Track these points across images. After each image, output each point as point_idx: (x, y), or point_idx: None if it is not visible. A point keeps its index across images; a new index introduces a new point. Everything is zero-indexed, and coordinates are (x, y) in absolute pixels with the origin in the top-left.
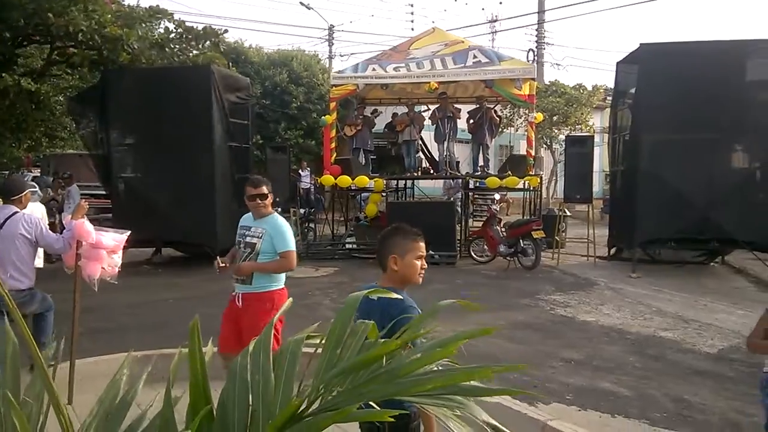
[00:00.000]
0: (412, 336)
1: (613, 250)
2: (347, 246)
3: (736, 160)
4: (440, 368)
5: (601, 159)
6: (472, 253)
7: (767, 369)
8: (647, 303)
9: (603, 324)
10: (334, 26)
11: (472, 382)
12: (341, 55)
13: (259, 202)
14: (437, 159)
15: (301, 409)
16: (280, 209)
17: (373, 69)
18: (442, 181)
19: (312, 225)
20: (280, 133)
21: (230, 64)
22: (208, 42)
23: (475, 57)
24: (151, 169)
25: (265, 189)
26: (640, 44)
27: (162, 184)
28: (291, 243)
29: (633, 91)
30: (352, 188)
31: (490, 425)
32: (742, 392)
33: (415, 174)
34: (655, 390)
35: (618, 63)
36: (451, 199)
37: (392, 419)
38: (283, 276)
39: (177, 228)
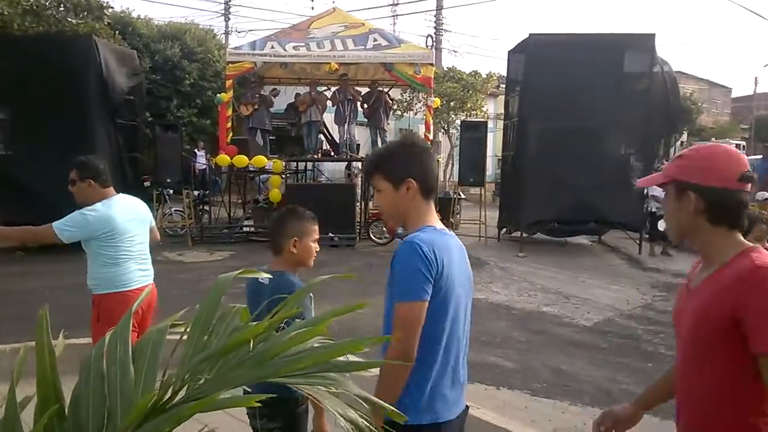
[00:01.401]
0: (284, 316)
1: (503, 231)
2: (245, 229)
3: (613, 147)
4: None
5: (494, 144)
6: (372, 235)
7: None
8: (532, 280)
9: (492, 301)
10: (230, 0)
11: (349, 357)
12: (238, 32)
13: (71, 189)
14: (338, 141)
15: (164, 399)
16: (171, 191)
17: (272, 47)
18: (343, 163)
19: (207, 207)
20: (172, 110)
21: (116, 34)
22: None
23: (375, 40)
24: (24, 148)
25: (73, 174)
26: (529, 34)
27: (36, 164)
28: (62, 221)
29: (521, 79)
30: (250, 169)
31: (366, 399)
32: (614, 362)
33: (315, 156)
34: (537, 362)
35: (509, 52)
36: (352, 181)
37: (261, 404)
38: (113, 278)
39: (53, 211)
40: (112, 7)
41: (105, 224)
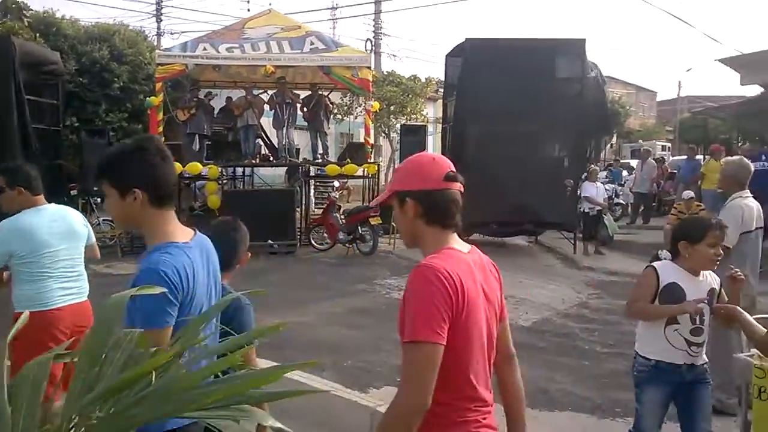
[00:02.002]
0: (189, 343)
1: None
2: None
3: (547, 150)
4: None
5: (434, 148)
6: (312, 241)
7: (646, 355)
8: None
9: None
10: (162, 1)
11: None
12: (171, 33)
13: None
14: (277, 146)
15: None
16: (99, 199)
17: (204, 48)
18: (283, 168)
19: None
20: (100, 115)
21: (37, 36)
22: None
23: (312, 43)
24: None
25: (0, 181)
26: (465, 38)
27: None
28: None
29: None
30: (185, 176)
31: (279, 430)
32: (551, 361)
33: (254, 161)
34: None
35: (447, 56)
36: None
37: None
38: (31, 296)
39: None
40: (32, 9)
41: (18, 237)
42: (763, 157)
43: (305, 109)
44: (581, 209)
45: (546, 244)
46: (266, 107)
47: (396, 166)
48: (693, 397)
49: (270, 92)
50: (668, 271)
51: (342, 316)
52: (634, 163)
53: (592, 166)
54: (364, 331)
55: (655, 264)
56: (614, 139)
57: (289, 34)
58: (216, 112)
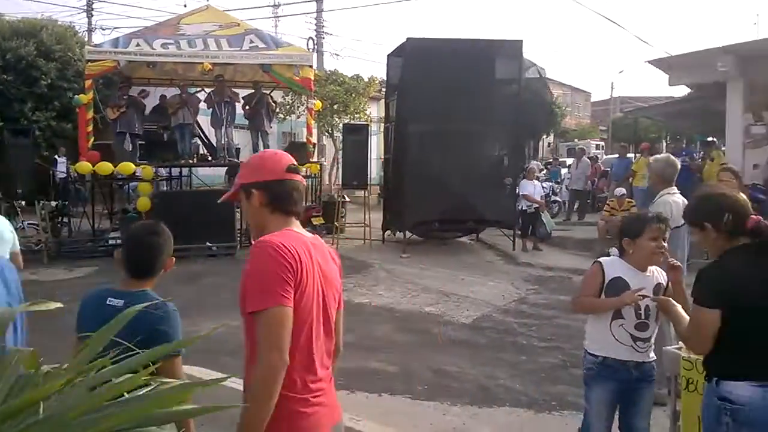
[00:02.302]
0: (85, 362)
1: (387, 233)
2: (111, 242)
3: (487, 149)
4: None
5: (378, 147)
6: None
7: (594, 352)
8: (415, 281)
9: (376, 304)
10: None
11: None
12: (103, 29)
13: None
14: (215, 145)
15: None
16: (24, 202)
17: (137, 45)
18: (224, 168)
19: (66, 219)
20: (26, 113)
21: None
22: None
23: (251, 41)
24: None
25: None
26: (407, 38)
27: None
28: None
29: (400, 82)
30: (118, 177)
31: None
32: (492, 357)
33: (191, 161)
34: (418, 364)
35: (388, 55)
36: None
37: None
38: None
39: None
40: None
41: None
42: (683, 154)
43: (247, 108)
44: (520, 207)
45: (487, 241)
46: (204, 106)
47: (244, 162)
48: (637, 396)
49: (208, 90)
50: (614, 266)
51: None
52: (570, 161)
53: (532, 164)
54: None
55: (602, 259)
56: (552, 138)
57: (228, 31)
58: (150, 110)
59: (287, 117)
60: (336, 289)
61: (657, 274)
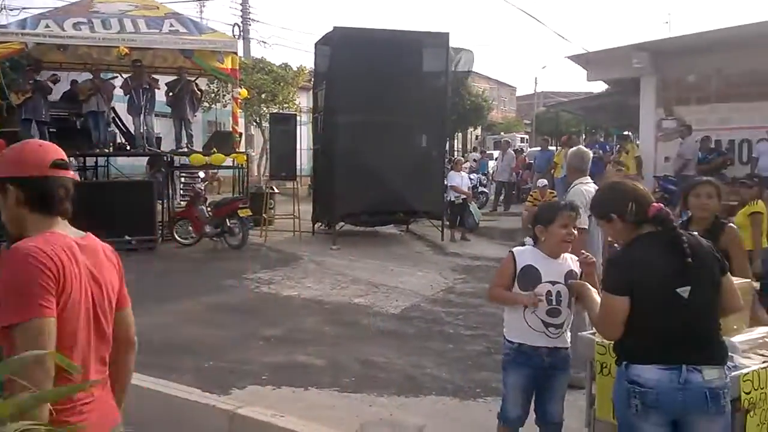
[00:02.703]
0: None
1: (317, 225)
2: None
3: (416, 140)
4: None
5: (309, 137)
6: (176, 236)
7: (510, 338)
8: (345, 272)
9: (304, 297)
10: None
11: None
12: (10, 9)
13: None
14: (134, 133)
15: None
16: None
17: (47, 26)
18: (145, 158)
19: None
20: None
21: None
22: None
23: (171, 25)
24: None
25: None
26: (333, 27)
27: None
28: None
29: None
30: None
31: None
32: (419, 347)
33: (106, 150)
34: (346, 356)
35: (315, 44)
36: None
37: None
38: None
39: None
40: None
41: None
42: (597, 147)
43: (170, 95)
44: (448, 198)
45: (416, 232)
46: (121, 92)
47: None
48: (551, 382)
49: (125, 75)
50: (526, 254)
51: (205, 314)
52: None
53: (459, 156)
54: (230, 329)
55: (514, 249)
56: (479, 131)
57: (146, 12)
58: (60, 96)
59: (212, 106)
60: (112, 290)
61: (570, 261)
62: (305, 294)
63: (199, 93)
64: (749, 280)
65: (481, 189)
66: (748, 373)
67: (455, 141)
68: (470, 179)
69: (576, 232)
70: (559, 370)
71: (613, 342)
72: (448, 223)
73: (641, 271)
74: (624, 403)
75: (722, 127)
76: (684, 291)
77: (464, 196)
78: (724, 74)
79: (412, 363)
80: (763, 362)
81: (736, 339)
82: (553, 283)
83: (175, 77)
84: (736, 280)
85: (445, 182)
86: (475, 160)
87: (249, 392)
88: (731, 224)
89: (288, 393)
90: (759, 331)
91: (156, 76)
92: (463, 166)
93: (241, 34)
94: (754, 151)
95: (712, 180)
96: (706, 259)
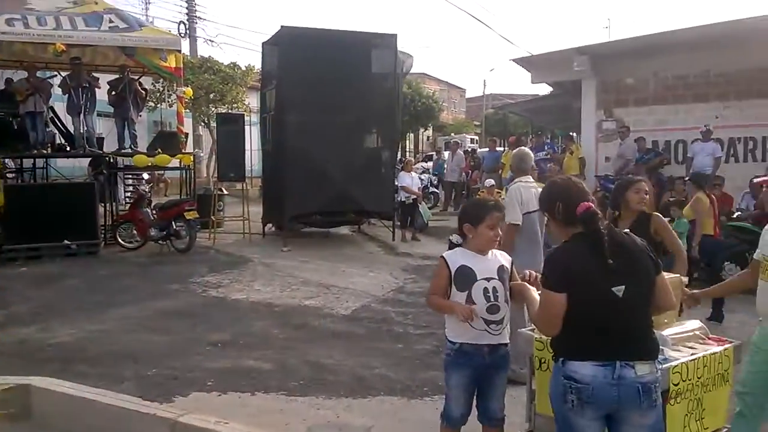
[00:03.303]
0: None
1: (268, 226)
2: None
3: (366, 141)
4: None
5: (259, 138)
6: (120, 240)
7: (452, 339)
8: (295, 274)
9: (253, 300)
10: None
11: None
12: None
13: None
14: (74, 134)
15: None
16: None
17: None
18: (87, 159)
19: None
20: None
21: None
22: None
23: (111, 21)
24: None
25: None
26: (281, 26)
27: None
28: None
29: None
30: None
31: None
32: (368, 348)
33: (44, 151)
34: (295, 359)
35: (263, 44)
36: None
37: None
38: None
39: None
40: None
41: None
42: (546, 148)
43: (112, 94)
44: (399, 198)
45: (368, 232)
46: (59, 91)
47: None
48: (491, 381)
49: (63, 74)
50: (457, 256)
51: (149, 320)
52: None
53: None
54: (175, 335)
55: (445, 254)
56: (430, 132)
57: (83, 9)
58: None
59: (158, 105)
60: None
61: (498, 256)
62: (254, 297)
63: (143, 92)
64: (678, 276)
65: (432, 189)
66: (677, 366)
67: (407, 141)
68: (421, 180)
69: (500, 231)
70: (500, 368)
71: (550, 338)
72: (399, 223)
73: (574, 269)
74: (560, 398)
75: (659, 128)
76: (619, 290)
77: (414, 197)
78: (661, 77)
79: (361, 364)
80: (692, 355)
81: (667, 332)
82: (488, 279)
83: (118, 76)
84: (667, 275)
85: (396, 182)
86: (431, 160)
87: (193, 399)
88: (656, 213)
89: (234, 399)
90: (688, 325)
91: (97, 75)
92: (413, 166)
93: (187, 32)
94: (689, 151)
95: (644, 178)
96: (640, 257)
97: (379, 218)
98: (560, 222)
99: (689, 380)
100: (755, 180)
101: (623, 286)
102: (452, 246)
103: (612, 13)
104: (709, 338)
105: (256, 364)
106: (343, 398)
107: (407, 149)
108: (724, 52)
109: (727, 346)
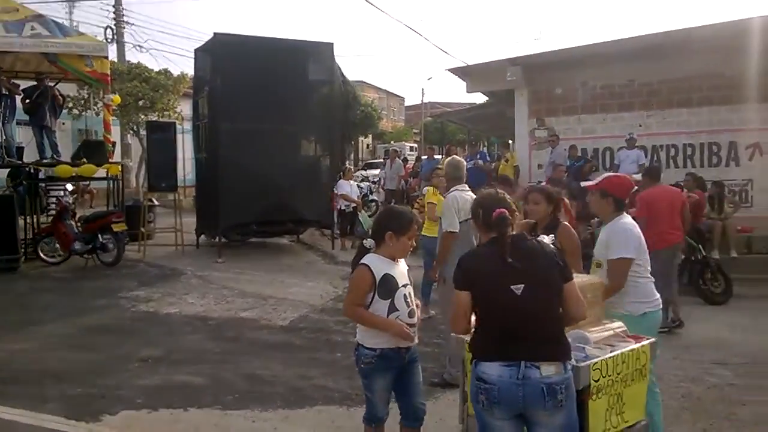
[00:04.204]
0: None
1: (202, 237)
2: None
3: (304, 150)
4: None
5: (192, 146)
6: (41, 254)
7: (371, 346)
8: (231, 286)
9: (186, 314)
10: None
11: None
12: None
13: None
14: None
15: None
16: None
17: None
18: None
19: None
20: None
21: None
22: None
23: (33, 28)
24: None
25: None
26: (214, 34)
27: None
28: None
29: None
30: None
31: None
32: (306, 358)
33: None
34: (230, 372)
35: (196, 50)
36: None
37: None
38: None
39: None
40: None
41: None
42: (478, 156)
43: (27, 101)
44: (338, 207)
45: (307, 241)
46: None
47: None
48: (409, 378)
49: None
50: (378, 264)
51: (74, 338)
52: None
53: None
54: (102, 352)
55: (366, 261)
56: (370, 140)
57: (5, 16)
58: None
59: (83, 113)
60: None
61: (401, 260)
62: (187, 310)
63: (61, 98)
64: (601, 280)
65: (371, 197)
66: (597, 362)
67: (357, 149)
68: (360, 188)
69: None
70: (415, 361)
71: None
72: (338, 231)
73: (478, 268)
74: (474, 398)
75: (588, 137)
76: (517, 288)
77: (354, 205)
78: (589, 87)
79: (299, 374)
80: (611, 352)
81: (590, 331)
82: (405, 285)
83: (35, 83)
84: (589, 277)
85: (335, 191)
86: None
87: (122, 417)
88: (564, 223)
89: (165, 415)
90: (611, 326)
91: (17, 81)
92: (353, 174)
93: (115, 37)
94: (615, 159)
95: (540, 187)
96: (543, 262)
97: (317, 227)
98: (482, 227)
99: (609, 376)
100: (582, 184)
101: (522, 285)
102: (364, 250)
103: (543, 25)
104: (628, 337)
105: (189, 379)
106: (281, 410)
107: (350, 157)
108: (648, 63)
109: (644, 342)
